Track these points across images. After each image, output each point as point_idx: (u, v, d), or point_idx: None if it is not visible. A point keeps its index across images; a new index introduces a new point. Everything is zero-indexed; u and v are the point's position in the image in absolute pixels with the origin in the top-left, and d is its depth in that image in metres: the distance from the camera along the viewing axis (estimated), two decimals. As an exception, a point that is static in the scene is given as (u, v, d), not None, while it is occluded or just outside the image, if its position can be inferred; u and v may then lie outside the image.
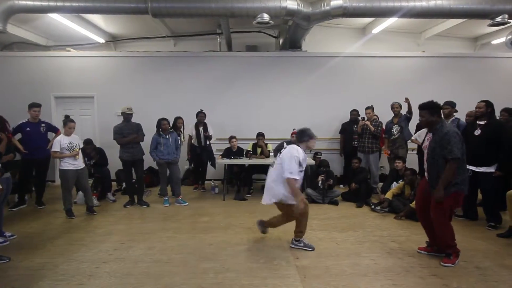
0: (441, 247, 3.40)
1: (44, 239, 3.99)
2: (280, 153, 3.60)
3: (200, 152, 6.46)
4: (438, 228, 3.28)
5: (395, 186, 5.29)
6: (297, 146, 3.54)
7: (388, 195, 5.10)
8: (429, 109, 3.25)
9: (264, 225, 3.94)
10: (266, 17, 5.51)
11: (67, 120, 4.95)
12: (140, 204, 5.50)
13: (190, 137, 6.51)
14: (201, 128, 6.43)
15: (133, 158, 5.41)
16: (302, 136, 3.57)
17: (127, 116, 5.42)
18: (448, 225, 3.29)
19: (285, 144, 6.45)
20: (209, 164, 6.68)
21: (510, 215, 3.92)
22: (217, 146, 7.20)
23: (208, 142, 6.53)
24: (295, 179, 3.37)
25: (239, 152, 6.34)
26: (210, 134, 6.46)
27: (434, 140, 3.22)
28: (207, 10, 5.48)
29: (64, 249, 3.70)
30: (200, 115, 6.45)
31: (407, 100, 5.95)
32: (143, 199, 5.63)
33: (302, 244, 3.68)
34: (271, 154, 6.38)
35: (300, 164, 3.44)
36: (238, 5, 5.44)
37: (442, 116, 3.81)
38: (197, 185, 6.75)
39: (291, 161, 3.38)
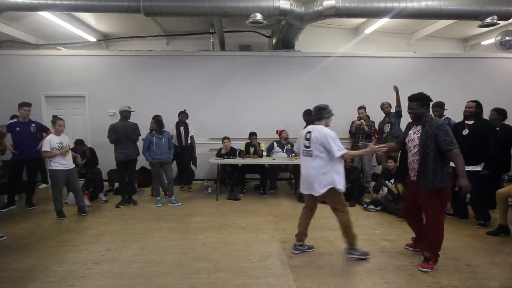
0: (424, 248, 3.22)
1: (35, 240, 3.94)
2: (308, 140, 3.34)
3: (181, 152, 6.41)
4: (431, 229, 3.12)
5: (389, 186, 5.30)
6: (320, 126, 3.38)
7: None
8: (419, 100, 3.14)
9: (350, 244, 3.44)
10: (259, 16, 5.51)
11: (56, 118, 4.85)
12: (129, 202, 5.49)
13: (171, 137, 6.46)
14: (181, 128, 6.39)
15: (128, 159, 5.38)
16: (321, 113, 3.45)
17: (126, 114, 5.38)
18: (442, 228, 3.13)
19: (275, 144, 6.54)
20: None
21: (500, 213, 3.98)
22: (210, 146, 7.19)
23: (189, 142, 6.49)
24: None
25: (232, 152, 6.33)
26: (191, 134, 6.44)
27: (425, 132, 3.05)
28: (200, 9, 5.46)
29: (55, 250, 3.66)
30: (182, 115, 6.40)
31: (395, 88, 5.95)
32: (135, 199, 5.61)
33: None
34: (264, 153, 6.40)
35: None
36: (231, 4, 5.42)
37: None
38: (182, 185, 6.66)
39: (335, 140, 3.22)
